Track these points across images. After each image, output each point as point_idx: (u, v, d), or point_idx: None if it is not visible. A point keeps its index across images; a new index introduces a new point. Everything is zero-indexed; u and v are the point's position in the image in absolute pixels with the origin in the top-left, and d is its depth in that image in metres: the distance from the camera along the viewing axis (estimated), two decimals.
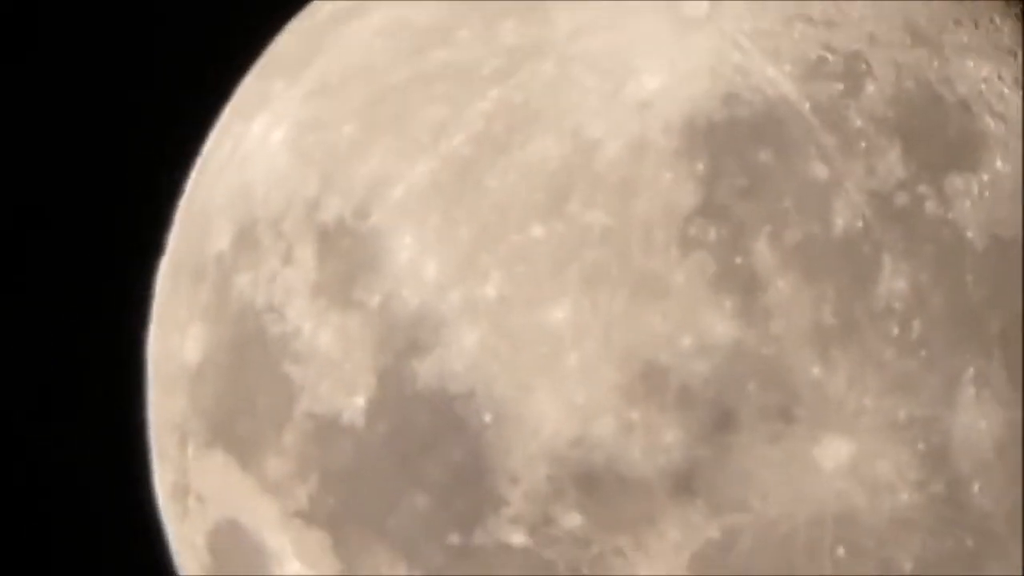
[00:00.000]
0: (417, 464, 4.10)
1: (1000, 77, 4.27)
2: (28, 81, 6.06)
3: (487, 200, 4.07)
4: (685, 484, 3.98)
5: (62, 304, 5.99)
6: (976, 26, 4.35)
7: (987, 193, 4.11)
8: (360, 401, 4.11)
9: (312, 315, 4.18)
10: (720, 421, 3.98)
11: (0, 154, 6.05)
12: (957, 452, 4.03)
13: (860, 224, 4.00)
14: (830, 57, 4.16)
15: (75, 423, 5.92)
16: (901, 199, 4.02)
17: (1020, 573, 4.19)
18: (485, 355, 4.03)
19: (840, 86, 4.11)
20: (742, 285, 3.96)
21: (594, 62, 4.17)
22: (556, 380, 3.99)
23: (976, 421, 4.02)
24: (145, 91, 5.84)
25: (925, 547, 4.06)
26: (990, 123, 4.18)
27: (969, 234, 4.06)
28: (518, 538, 4.02)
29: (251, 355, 4.32)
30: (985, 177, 4.11)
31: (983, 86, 4.24)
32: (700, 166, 3.99)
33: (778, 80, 4.09)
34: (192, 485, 4.57)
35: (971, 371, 4.03)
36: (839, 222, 3.99)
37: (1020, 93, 4.28)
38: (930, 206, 4.03)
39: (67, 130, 6.00)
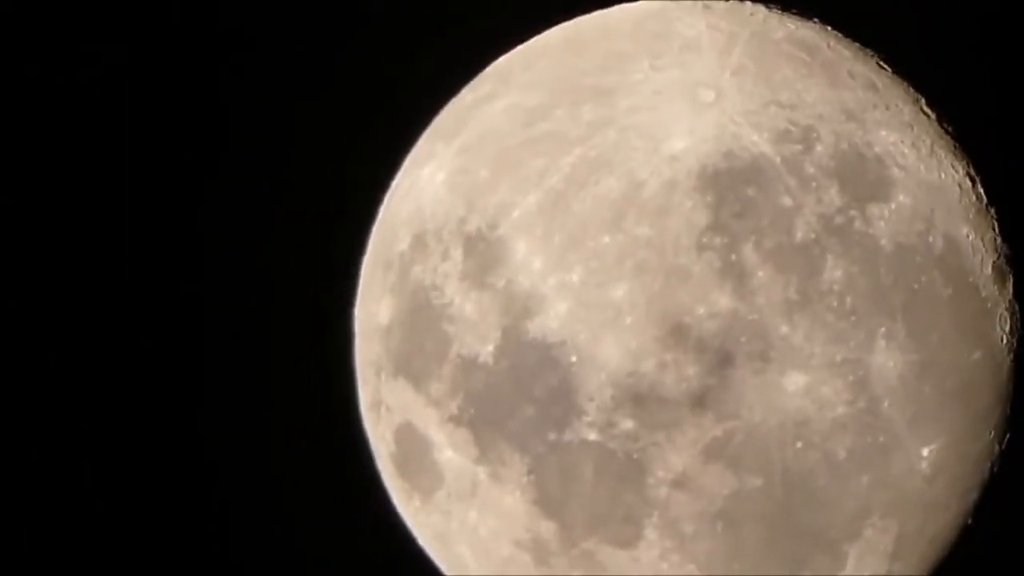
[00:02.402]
0: (527, 387, 4.83)
1: (902, 142, 4.99)
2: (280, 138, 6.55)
3: (573, 219, 4.79)
4: (699, 401, 4.72)
5: (306, 288, 6.40)
6: (887, 108, 5.05)
7: (894, 216, 4.85)
8: (491, 347, 4.88)
9: (460, 292, 4.93)
10: (723, 361, 4.71)
11: (278, 181, 6.57)
12: (874, 381, 4.78)
13: (812, 235, 4.75)
14: (793, 128, 4.88)
15: (312, 362, 6.31)
16: (839, 219, 4.79)
17: (916, 460, 4.89)
18: (572, 318, 4.75)
19: (799, 147, 4.86)
20: (737, 274, 4.71)
21: (642, 130, 4.86)
22: (617, 334, 4.72)
23: (886, 362, 4.79)
24: (360, 149, 6.28)
25: (853, 442, 4.81)
26: (896, 171, 4.93)
27: (883, 242, 4.83)
28: (592, 436, 4.78)
29: (421, 317, 5.06)
30: (893, 205, 4.88)
31: (891, 147, 4.96)
32: (709, 198, 4.75)
33: (760, 143, 4.82)
34: (384, 400, 5.27)
35: (883, 330, 4.80)
36: (799, 234, 4.75)
37: (915, 152, 4.98)
38: (857, 224, 4.80)
39: (320, 184, 6.48)
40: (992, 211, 5.18)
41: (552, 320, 4.76)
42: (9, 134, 6.61)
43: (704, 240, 4.70)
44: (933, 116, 5.19)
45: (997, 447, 5.28)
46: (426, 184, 5.22)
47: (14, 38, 6.57)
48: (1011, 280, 5.19)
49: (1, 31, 6.55)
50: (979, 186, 5.17)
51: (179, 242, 6.63)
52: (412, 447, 5.18)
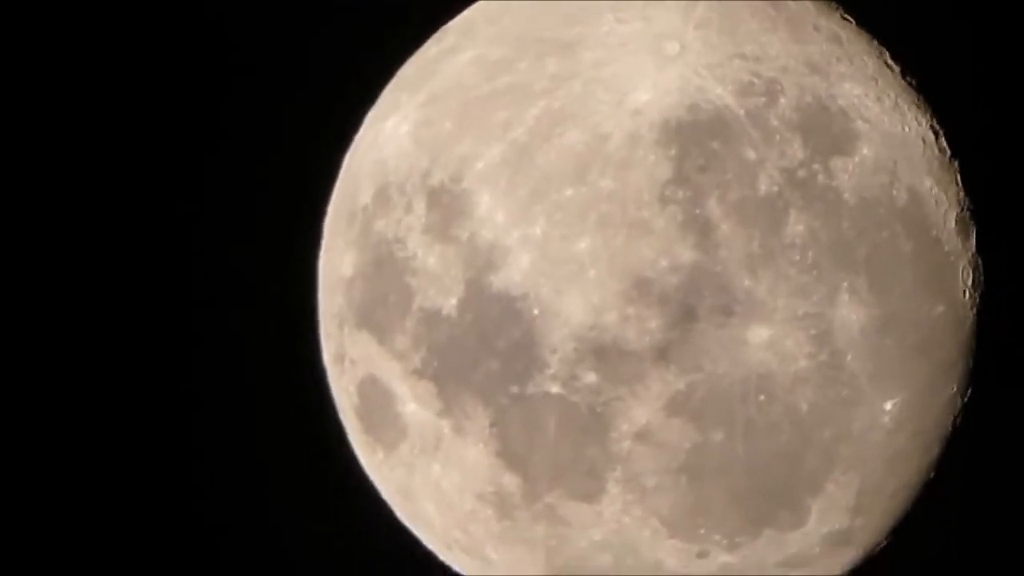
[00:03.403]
0: (491, 340, 4.80)
1: (866, 95, 4.97)
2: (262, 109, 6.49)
3: (537, 171, 4.76)
4: (662, 355, 4.69)
5: (270, 240, 6.37)
6: (851, 62, 5.01)
7: (857, 169, 4.83)
8: (454, 300, 4.86)
9: (423, 245, 4.91)
10: (685, 314, 4.69)
11: (241, 135, 6.46)
12: (836, 335, 4.77)
13: (776, 189, 4.72)
14: (756, 81, 4.85)
15: (277, 313, 6.24)
16: (802, 173, 4.76)
17: (879, 414, 4.88)
18: (535, 271, 4.73)
19: (763, 99, 4.83)
20: (700, 228, 4.68)
21: (606, 84, 4.83)
22: (580, 287, 4.69)
23: (849, 315, 4.78)
24: (326, 103, 6.23)
25: (815, 395, 4.79)
26: (860, 124, 4.90)
27: (846, 195, 4.80)
28: (555, 389, 4.75)
29: (384, 270, 5.03)
30: (856, 159, 4.85)
31: (855, 100, 4.93)
32: (673, 151, 4.71)
33: (724, 96, 4.78)
34: (347, 353, 5.26)
35: (845, 284, 4.78)
36: (762, 187, 4.72)
37: (879, 105, 4.93)
38: (821, 177, 4.78)
39: (284, 138, 6.38)
40: (955, 164, 5.15)
41: (515, 273, 4.73)
42: None
43: (667, 193, 4.67)
44: (897, 69, 5.14)
45: (959, 401, 5.26)
46: (390, 136, 5.19)
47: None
48: (974, 233, 5.14)
49: None
50: (942, 139, 5.14)
51: (138, 197, 6.55)
52: (376, 400, 5.15)
